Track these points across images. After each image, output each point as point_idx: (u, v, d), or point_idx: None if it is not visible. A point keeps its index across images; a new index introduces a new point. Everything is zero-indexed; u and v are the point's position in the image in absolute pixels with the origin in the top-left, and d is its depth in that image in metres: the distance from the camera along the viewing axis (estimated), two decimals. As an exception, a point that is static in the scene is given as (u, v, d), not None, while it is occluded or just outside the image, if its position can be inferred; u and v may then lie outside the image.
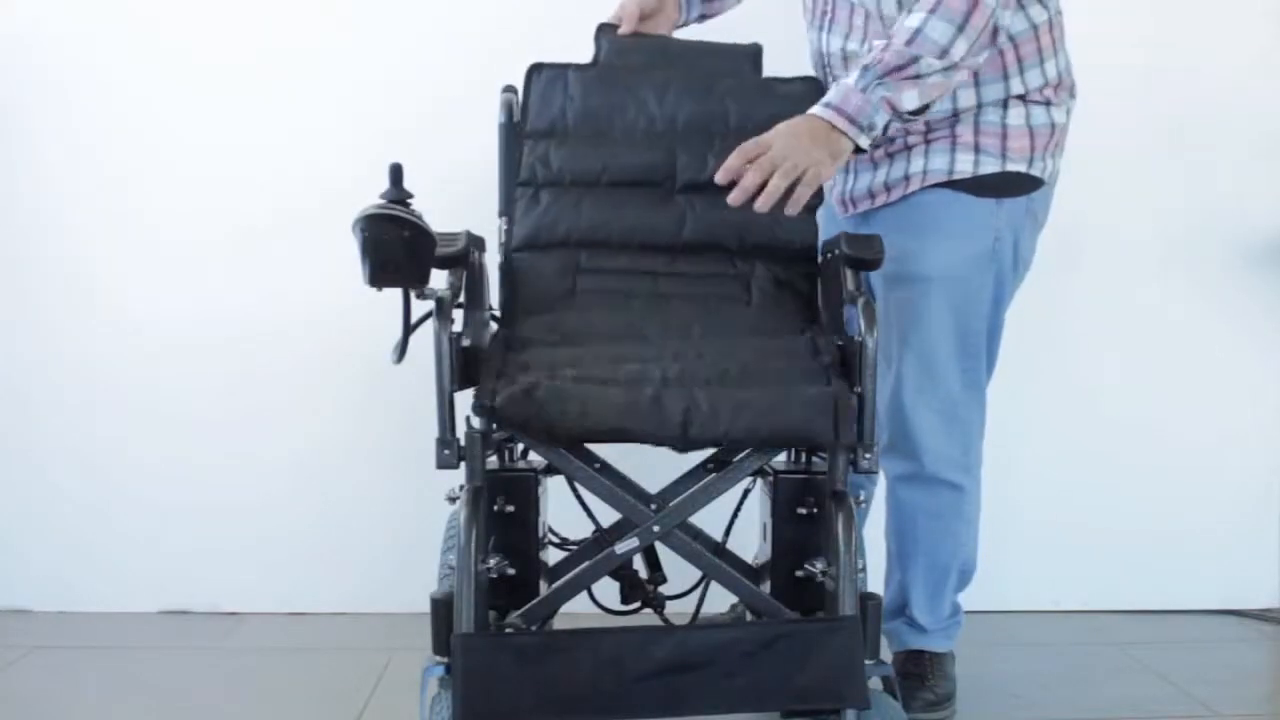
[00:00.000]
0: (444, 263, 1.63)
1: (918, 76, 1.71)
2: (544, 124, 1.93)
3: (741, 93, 1.93)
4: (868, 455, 1.57)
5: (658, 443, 1.50)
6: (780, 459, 1.71)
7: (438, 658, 1.53)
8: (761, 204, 1.62)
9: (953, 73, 1.74)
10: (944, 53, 1.72)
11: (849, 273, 1.68)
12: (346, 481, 2.63)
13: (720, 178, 1.65)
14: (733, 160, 1.65)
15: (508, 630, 1.58)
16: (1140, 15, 2.64)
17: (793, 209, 1.65)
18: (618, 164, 1.88)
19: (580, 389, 1.51)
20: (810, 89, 1.92)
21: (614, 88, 1.94)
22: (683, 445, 1.51)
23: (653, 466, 1.73)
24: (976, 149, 1.91)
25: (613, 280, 1.82)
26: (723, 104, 1.91)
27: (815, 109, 1.72)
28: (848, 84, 1.72)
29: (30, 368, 2.62)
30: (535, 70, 1.95)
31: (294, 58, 2.58)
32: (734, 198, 1.63)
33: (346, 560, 2.64)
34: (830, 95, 1.73)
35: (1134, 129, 2.65)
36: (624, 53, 1.99)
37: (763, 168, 1.63)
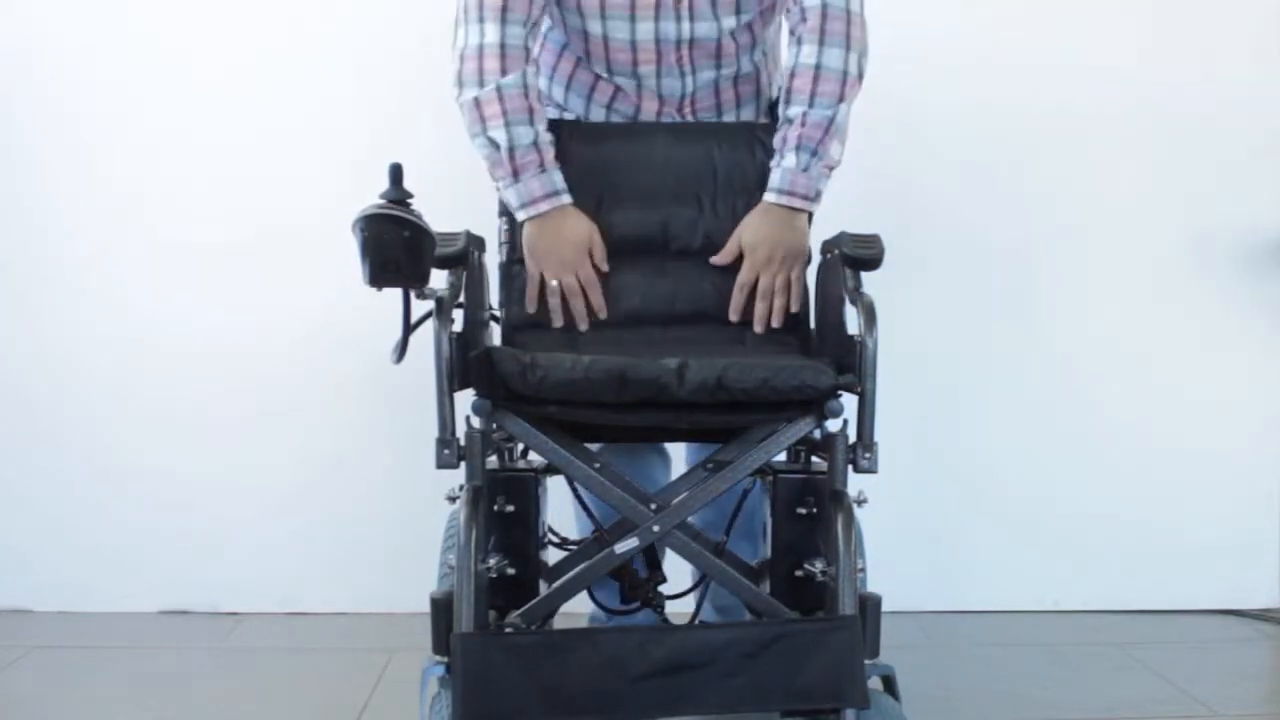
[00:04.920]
0: (444, 263, 1.63)
1: (835, 126, 1.80)
2: None
3: (733, 161, 1.89)
4: (868, 455, 1.58)
5: (655, 391, 1.51)
6: (780, 459, 1.71)
7: (438, 657, 1.53)
8: (776, 322, 1.83)
9: (857, 93, 1.82)
10: (844, 77, 1.80)
11: (849, 272, 1.68)
12: (346, 481, 2.63)
13: (733, 315, 1.83)
14: (737, 298, 1.83)
15: (508, 630, 1.58)
16: (1141, 17, 2.64)
17: (795, 304, 1.84)
18: (616, 235, 1.85)
19: (579, 357, 1.57)
20: None
21: (604, 146, 1.91)
22: (679, 389, 1.51)
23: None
24: None
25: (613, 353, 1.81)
26: (712, 162, 1.89)
27: (770, 198, 1.81)
28: (789, 167, 1.80)
29: (32, 369, 2.62)
30: None
31: (293, 60, 2.58)
32: (758, 329, 1.83)
33: (346, 560, 2.64)
34: (778, 182, 1.81)
35: (1134, 130, 2.65)
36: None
37: (764, 294, 1.81)
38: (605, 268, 1.84)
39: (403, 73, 2.55)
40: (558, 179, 1.82)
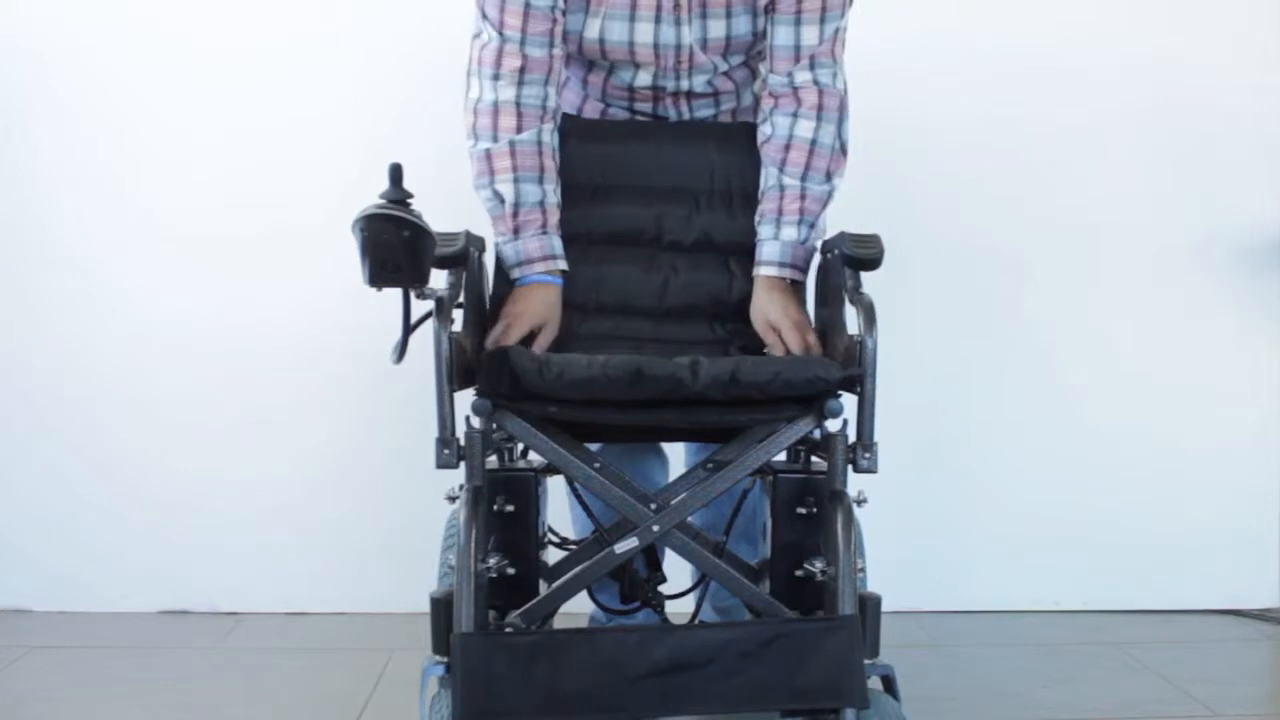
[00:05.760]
0: (444, 263, 1.63)
1: (831, 197, 1.85)
2: None
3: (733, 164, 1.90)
4: (867, 455, 1.58)
5: (671, 386, 1.51)
6: (780, 459, 1.71)
7: (437, 657, 1.53)
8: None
9: (844, 168, 1.86)
10: (833, 153, 1.83)
11: (849, 272, 1.68)
12: (346, 481, 2.63)
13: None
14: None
15: (508, 630, 1.58)
16: (1139, 18, 2.64)
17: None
18: (609, 226, 1.87)
19: (594, 355, 1.58)
20: None
21: (603, 143, 1.91)
22: (694, 384, 1.51)
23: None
24: None
25: (601, 347, 1.80)
26: (710, 163, 1.89)
27: (773, 272, 1.81)
28: (790, 240, 1.82)
29: (33, 368, 2.62)
30: None
31: (296, 57, 2.58)
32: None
33: (346, 560, 2.64)
34: (779, 255, 1.82)
35: (1134, 130, 2.66)
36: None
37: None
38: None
39: (403, 72, 2.56)
40: (556, 244, 1.81)
